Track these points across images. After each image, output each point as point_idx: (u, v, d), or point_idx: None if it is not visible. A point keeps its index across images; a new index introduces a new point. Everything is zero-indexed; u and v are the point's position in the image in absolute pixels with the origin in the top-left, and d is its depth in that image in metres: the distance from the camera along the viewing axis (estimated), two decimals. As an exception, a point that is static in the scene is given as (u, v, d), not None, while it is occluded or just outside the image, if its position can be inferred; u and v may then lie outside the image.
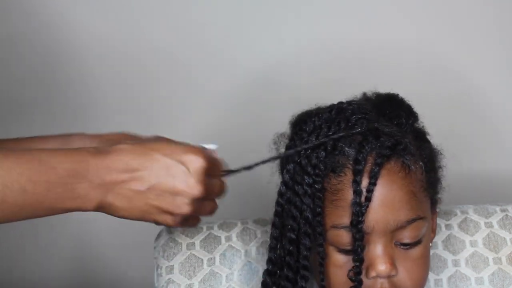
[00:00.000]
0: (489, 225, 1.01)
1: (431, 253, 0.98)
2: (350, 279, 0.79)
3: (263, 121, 1.18)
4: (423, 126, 0.90)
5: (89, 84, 1.36)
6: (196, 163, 0.73)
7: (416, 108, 0.90)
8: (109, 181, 0.70)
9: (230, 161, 1.38)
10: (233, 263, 1.00)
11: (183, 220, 0.75)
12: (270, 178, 0.89)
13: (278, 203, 0.83)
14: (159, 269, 1.00)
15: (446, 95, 1.36)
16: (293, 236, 0.81)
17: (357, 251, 0.78)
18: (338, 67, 1.33)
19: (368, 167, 0.78)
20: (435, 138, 0.90)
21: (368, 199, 0.78)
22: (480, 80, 1.36)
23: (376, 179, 0.78)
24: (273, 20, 1.32)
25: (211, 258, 1.00)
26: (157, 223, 0.76)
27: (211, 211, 0.79)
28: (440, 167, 0.89)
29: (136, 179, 0.71)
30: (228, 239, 1.02)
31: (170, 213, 0.74)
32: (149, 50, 1.34)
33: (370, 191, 0.78)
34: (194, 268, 1.00)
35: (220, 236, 1.02)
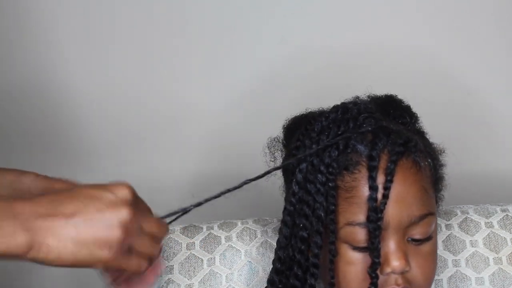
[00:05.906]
0: (489, 225, 1.01)
1: (431, 253, 0.98)
2: (370, 274, 0.80)
3: (258, 125, 1.18)
4: (421, 126, 0.91)
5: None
6: (122, 189, 0.71)
7: (417, 109, 0.91)
8: (35, 218, 0.68)
9: (227, 164, 1.38)
10: (233, 263, 1.00)
11: (121, 251, 0.70)
12: (270, 178, 0.89)
13: (290, 202, 0.84)
14: (159, 269, 1.00)
15: (446, 95, 1.36)
16: (305, 234, 0.82)
17: (376, 245, 0.79)
18: (334, 72, 1.33)
19: (382, 164, 0.80)
20: (435, 138, 0.91)
21: (386, 196, 0.79)
22: (480, 80, 1.36)
23: (393, 176, 0.79)
24: (266, 26, 1.33)
25: (211, 258, 1.00)
26: (94, 263, 0.70)
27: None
28: (442, 165, 0.90)
29: (62, 211, 0.69)
30: (228, 239, 1.02)
31: (104, 242, 0.69)
32: (149, 57, 1.35)
33: (387, 188, 0.79)
34: (194, 268, 1.00)
35: (220, 236, 1.02)
